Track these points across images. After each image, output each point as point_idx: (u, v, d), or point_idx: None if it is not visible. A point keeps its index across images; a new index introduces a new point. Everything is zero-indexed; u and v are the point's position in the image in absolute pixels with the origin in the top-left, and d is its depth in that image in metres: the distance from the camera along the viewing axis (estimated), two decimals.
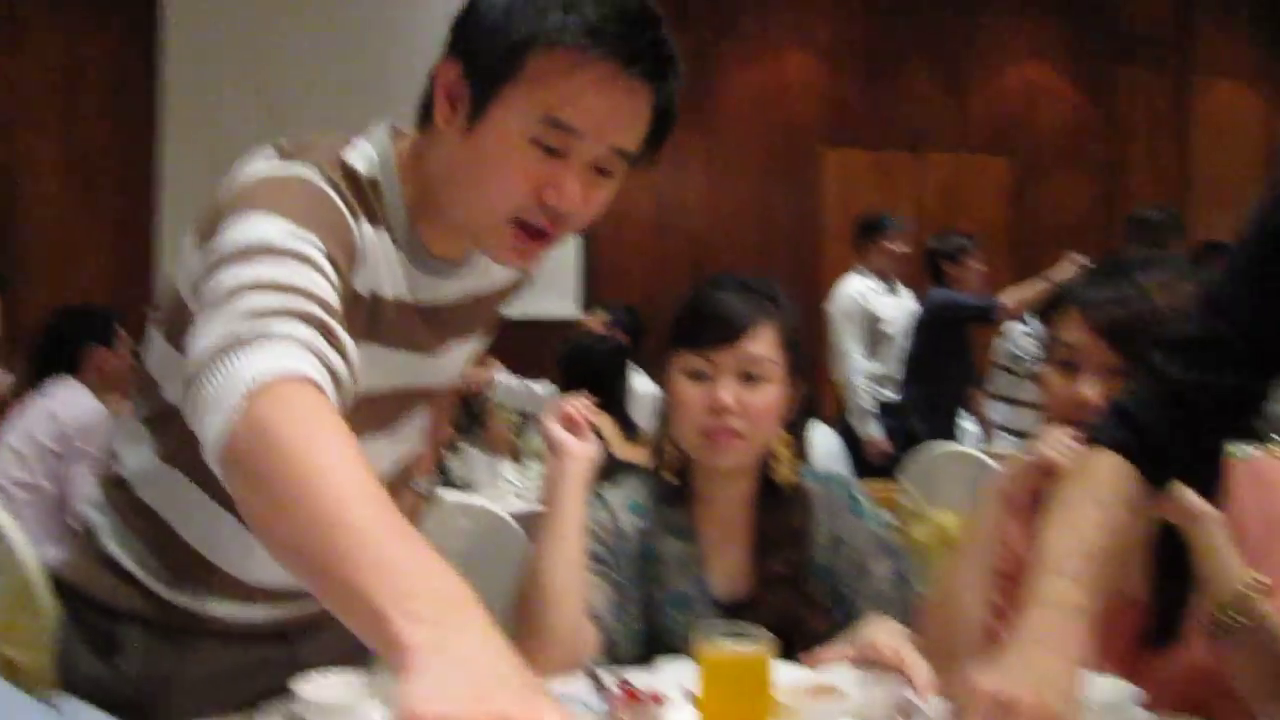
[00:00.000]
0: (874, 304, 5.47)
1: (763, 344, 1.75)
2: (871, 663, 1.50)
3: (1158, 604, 1.55)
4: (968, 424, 5.41)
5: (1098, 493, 1.22)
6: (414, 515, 2.03)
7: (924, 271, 5.42)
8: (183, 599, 1.42)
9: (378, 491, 0.91)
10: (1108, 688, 1.34)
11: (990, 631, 1.49)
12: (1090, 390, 1.53)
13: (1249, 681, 1.39)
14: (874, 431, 5.23)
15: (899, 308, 5.49)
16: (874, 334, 5.48)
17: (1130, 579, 1.59)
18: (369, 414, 1.35)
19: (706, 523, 1.82)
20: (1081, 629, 1.07)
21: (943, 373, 5.05)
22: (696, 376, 1.75)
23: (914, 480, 3.98)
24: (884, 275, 5.54)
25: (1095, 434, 1.30)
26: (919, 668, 1.45)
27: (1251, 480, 1.55)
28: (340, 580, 0.85)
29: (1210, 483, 1.35)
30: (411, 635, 0.80)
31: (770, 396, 1.75)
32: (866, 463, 4.98)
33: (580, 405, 1.77)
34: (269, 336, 1.00)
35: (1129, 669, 1.50)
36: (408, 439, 1.55)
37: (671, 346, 1.81)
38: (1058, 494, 1.25)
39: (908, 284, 5.65)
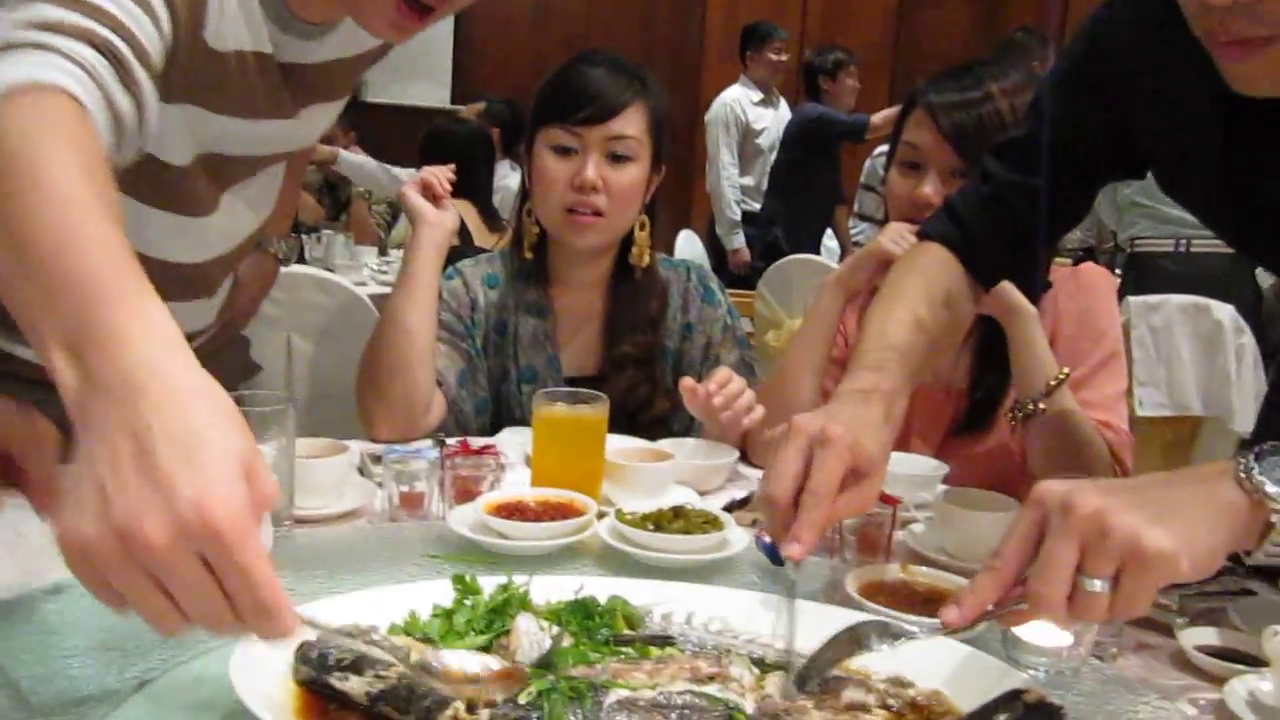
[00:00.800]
0: (750, 114, 5.49)
1: (632, 124, 1.73)
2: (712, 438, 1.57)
3: (975, 394, 1.66)
4: (830, 241, 5.52)
5: (918, 286, 1.23)
6: (268, 277, 2.00)
7: (800, 86, 5.41)
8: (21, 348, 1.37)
9: (95, 204, 0.75)
10: (918, 463, 1.44)
11: None
12: (932, 190, 1.59)
13: (1040, 460, 1.53)
14: (737, 242, 5.31)
15: (775, 120, 5.52)
16: (747, 145, 5.52)
17: (954, 371, 1.70)
18: (226, 173, 1.31)
19: (562, 300, 1.83)
20: (878, 407, 1.06)
21: (809, 187, 5.12)
22: (563, 152, 1.73)
23: (772, 290, 4.09)
24: (764, 86, 5.56)
25: (926, 228, 1.33)
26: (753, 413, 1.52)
27: (1073, 283, 1.66)
28: (20, 283, 0.71)
29: (1032, 282, 1.40)
30: (69, 374, 0.66)
31: (635, 176, 1.74)
32: (729, 273, 5.07)
33: (440, 174, 1.74)
34: (44, 48, 0.89)
35: (942, 450, 1.62)
36: (265, 200, 1.50)
37: (538, 120, 1.77)
38: (883, 285, 1.27)
39: (787, 99, 5.65)
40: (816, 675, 0.83)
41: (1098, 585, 0.76)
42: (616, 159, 1.73)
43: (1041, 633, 0.96)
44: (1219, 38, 0.92)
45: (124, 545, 0.60)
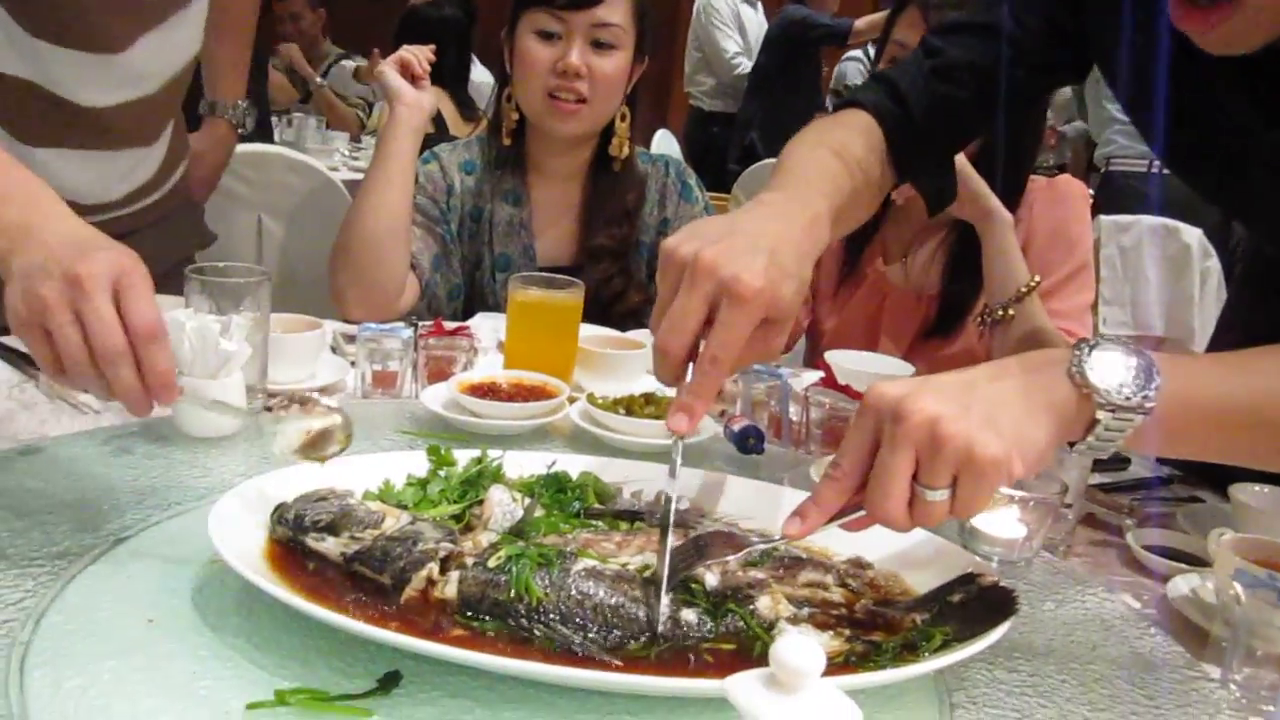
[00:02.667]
0: (741, 12, 5.42)
1: (617, 11, 1.71)
2: None
3: (946, 298, 1.68)
4: None
5: (843, 138, 1.12)
6: (223, 143, 1.97)
7: None
8: None
9: None
10: (886, 363, 1.46)
11: None
12: None
13: None
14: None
15: (756, 22, 5.45)
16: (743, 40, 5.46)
17: (926, 276, 1.71)
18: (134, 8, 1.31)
19: (539, 190, 1.82)
20: (807, 214, 0.95)
21: (789, 91, 5.06)
22: (547, 36, 1.70)
23: (748, 194, 4.07)
24: None
25: (858, 95, 1.21)
26: None
27: (1048, 194, 1.68)
28: None
29: (946, 187, 1.30)
30: None
31: (618, 64, 1.72)
32: (709, 168, 5.04)
33: (420, 54, 1.71)
34: None
35: (910, 353, 1.65)
36: (184, 41, 1.50)
37: (522, 3, 1.74)
38: (805, 130, 1.15)
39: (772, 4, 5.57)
40: (669, 584, 0.79)
41: (936, 495, 0.75)
42: (600, 46, 1.70)
43: (997, 524, 1.00)
44: (1177, 13, 0.90)
45: (28, 308, 0.83)
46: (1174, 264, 3.22)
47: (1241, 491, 1.14)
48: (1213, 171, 1.16)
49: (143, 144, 1.49)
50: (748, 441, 1.16)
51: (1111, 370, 0.77)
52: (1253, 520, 1.12)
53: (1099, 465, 1.31)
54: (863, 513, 0.78)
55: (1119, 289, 3.23)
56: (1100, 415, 0.77)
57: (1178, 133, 1.14)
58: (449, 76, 3.47)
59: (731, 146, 5.13)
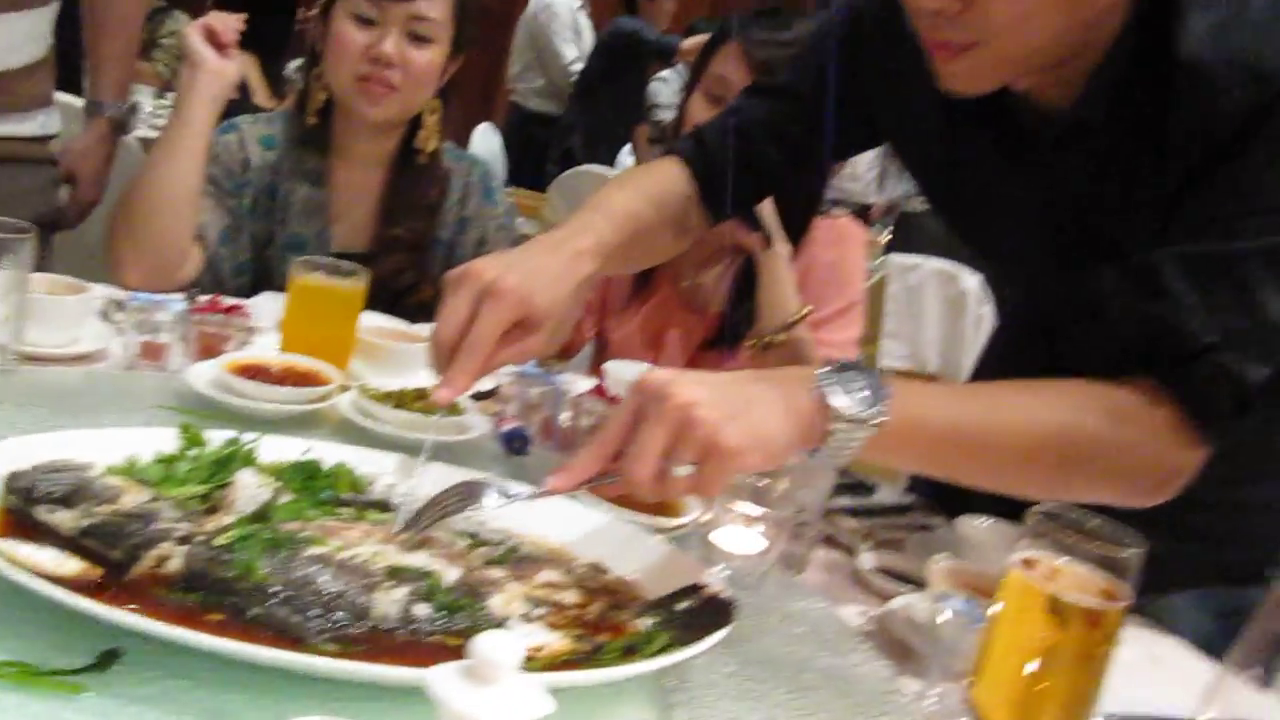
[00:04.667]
0: (579, 20, 5.47)
1: (436, 6, 1.71)
2: None
3: (728, 318, 1.76)
4: (627, 157, 5.57)
5: (648, 184, 1.28)
6: (105, 143, 1.94)
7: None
8: None
9: None
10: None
11: None
12: None
13: None
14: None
15: (587, 29, 5.51)
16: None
17: (715, 293, 1.79)
18: None
19: (340, 174, 1.80)
20: (564, 259, 1.09)
21: (612, 101, 5.14)
22: (363, 21, 1.69)
23: (563, 196, 4.11)
24: None
25: (677, 146, 1.36)
26: None
27: (829, 233, 1.78)
28: None
29: (753, 219, 1.45)
30: None
31: (432, 58, 1.72)
32: (528, 169, 5.06)
33: (228, 21, 1.67)
34: None
35: (689, 366, 1.73)
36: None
37: None
38: (621, 173, 1.30)
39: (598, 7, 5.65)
40: (426, 520, 0.88)
41: (681, 470, 0.84)
42: (416, 38, 1.70)
43: (735, 540, 1.06)
44: (929, 38, 1.00)
45: None
46: (953, 306, 3.43)
47: (964, 524, 1.24)
48: (964, 213, 1.28)
49: None
50: (514, 443, 1.19)
51: (847, 389, 0.89)
52: (972, 550, 1.22)
53: (844, 490, 1.40)
54: (618, 479, 0.87)
55: (901, 324, 3.42)
56: (833, 427, 0.88)
57: (934, 177, 1.27)
58: (265, 45, 3.36)
59: (552, 148, 5.17)
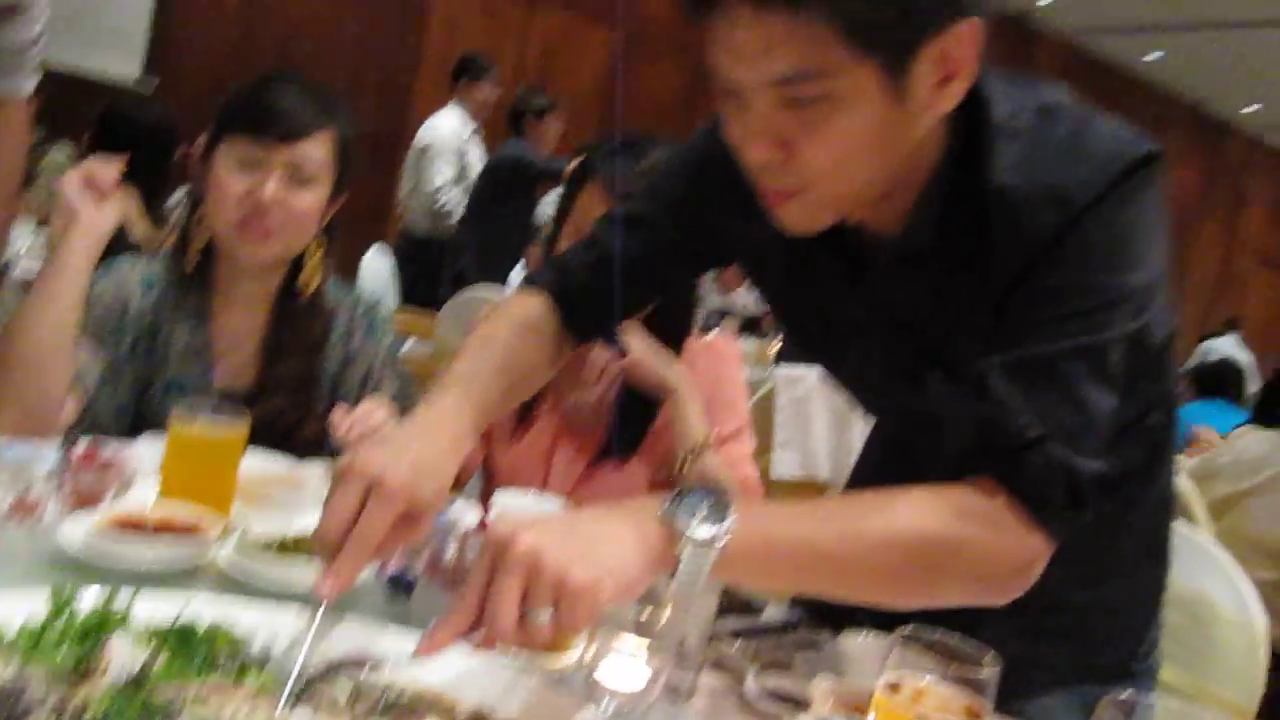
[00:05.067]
0: (467, 143, 5.59)
1: (318, 148, 1.74)
2: None
3: (616, 431, 1.80)
4: (518, 276, 5.64)
5: (511, 331, 1.31)
6: None
7: (507, 123, 5.53)
8: None
9: None
10: (541, 503, 1.52)
11: None
12: None
13: None
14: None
15: (478, 154, 5.62)
16: (459, 172, 5.60)
17: (601, 405, 1.83)
18: None
19: (223, 315, 1.80)
20: (444, 440, 1.12)
21: (502, 222, 5.22)
22: (245, 165, 1.71)
23: (455, 317, 4.13)
24: (474, 117, 5.66)
25: (535, 278, 1.41)
26: None
27: (707, 355, 1.84)
28: None
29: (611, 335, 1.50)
30: None
31: (314, 200, 1.75)
32: (420, 291, 5.08)
33: (107, 167, 1.67)
34: None
35: (584, 480, 1.76)
36: None
37: (223, 129, 1.75)
38: (480, 325, 1.34)
39: (489, 132, 5.77)
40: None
41: (542, 616, 0.87)
42: (298, 181, 1.73)
43: (619, 673, 1.07)
44: (760, 186, 1.08)
45: None
46: (838, 416, 3.53)
47: (846, 639, 1.28)
48: (811, 332, 1.35)
49: None
50: (398, 586, 1.19)
51: (692, 513, 0.93)
52: (854, 666, 1.25)
53: (730, 611, 1.43)
54: (485, 632, 0.89)
55: (791, 435, 3.50)
56: (680, 550, 0.92)
57: (782, 298, 1.35)
58: (145, 178, 3.32)
59: (444, 269, 5.21)
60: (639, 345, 1.68)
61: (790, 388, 3.49)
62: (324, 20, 7.18)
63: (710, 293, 4.52)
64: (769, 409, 3.48)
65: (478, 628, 0.89)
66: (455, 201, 5.49)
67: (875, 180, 1.07)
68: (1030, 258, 1.05)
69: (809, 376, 3.53)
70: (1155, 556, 1.39)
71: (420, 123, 5.75)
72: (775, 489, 3.39)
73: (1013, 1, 10.43)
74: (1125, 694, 0.86)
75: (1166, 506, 1.38)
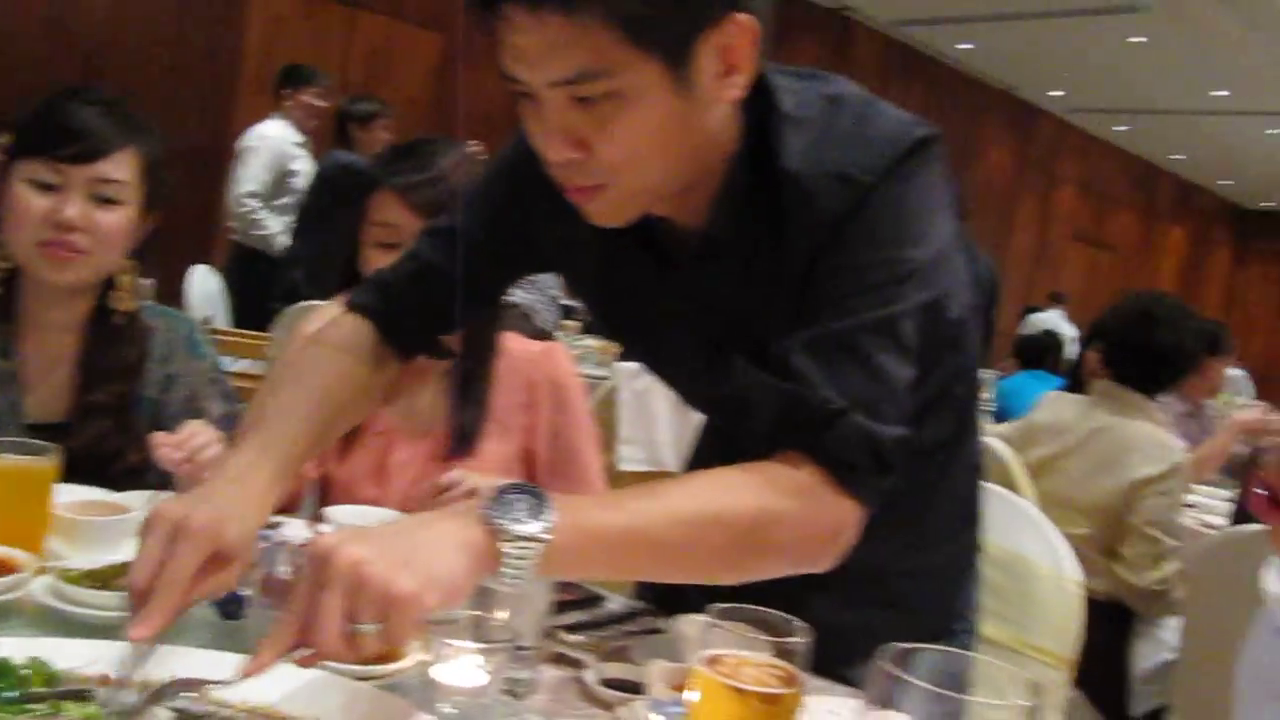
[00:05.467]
0: (289, 153, 5.45)
1: (122, 167, 1.69)
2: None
3: (453, 430, 1.81)
4: None
5: (329, 359, 1.31)
6: None
7: (334, 132, 5.42)
8: None
9: None
10: (376, 514, 1.52)
11: None
12: None
13: None
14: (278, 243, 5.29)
15: (307, 164, 5.49)
16: (283, 185, 5.45)
17: (434, 413, 1.82)
18: None
19: (31, 342, 1.73)
20: (255, 486, 1.12)
21: (333, 234, 5.10)
22: (44, 187, 1.65)
23: (288, 333, 4.03)
24: (301, 127, 5.53)
25: (353, 300, 1.40)
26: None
27: (541, 358, 1.88)
28: None
29: (437, 347, 1.49)
30: None
31: (121, 219, 1.70)
32: (252, 306, 4.94)
33: None
34: None
35: (425, 477, 1.75)
36: None
37: (18, 152, 1.68)
38: (290, 357, 1.35)
39: (315, 140, 5.65)
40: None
41: (367, 628, 0.87)
42: (102, 200, 1.68)
43: (457, 674, 1.08)
44: (564, 184, 1.11)
45: None
46: (680, 406, 3.57)
47: (682, 622, 1.32)
48: (626, 326, 1.39)
49: None
50: (228, 607, 1.17)
51: (512, 510, 0.94)
52: (690, 648, 1.29)
53: (572, 606, 1.45)
54: (311, 650, 0.88)
55: (635, 429, 3.54)
56: (504, 547, 0.93)
57: (597, 296, 1.38)
58: None
59: (275, 285, 5.08)
60: None
61: (632, 381, 3.53)
62: (137, 31, 6.88)
63: (555, 291, 4.53)
64: (613, 404, 3.51)
65: (304, 644, 0.89)
66: (260, 209, 5.35)
67: (673, 171, 1.11)
68: (822, 239, 1.11)
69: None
70: (968, 521, 1.47)
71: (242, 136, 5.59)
72: (623, 481, 3.44)
73: None
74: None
75: (976, 473, 1.47)
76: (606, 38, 0.99)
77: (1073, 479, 3.10)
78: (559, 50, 1.00)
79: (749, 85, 1.10)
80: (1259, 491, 1.04)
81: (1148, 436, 3.03)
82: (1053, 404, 3.35)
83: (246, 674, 0.89)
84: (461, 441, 1.81)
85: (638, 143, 1.05)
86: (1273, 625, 1.01)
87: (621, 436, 3.47)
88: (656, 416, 3.54)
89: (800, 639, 0.88)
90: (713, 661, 0.88)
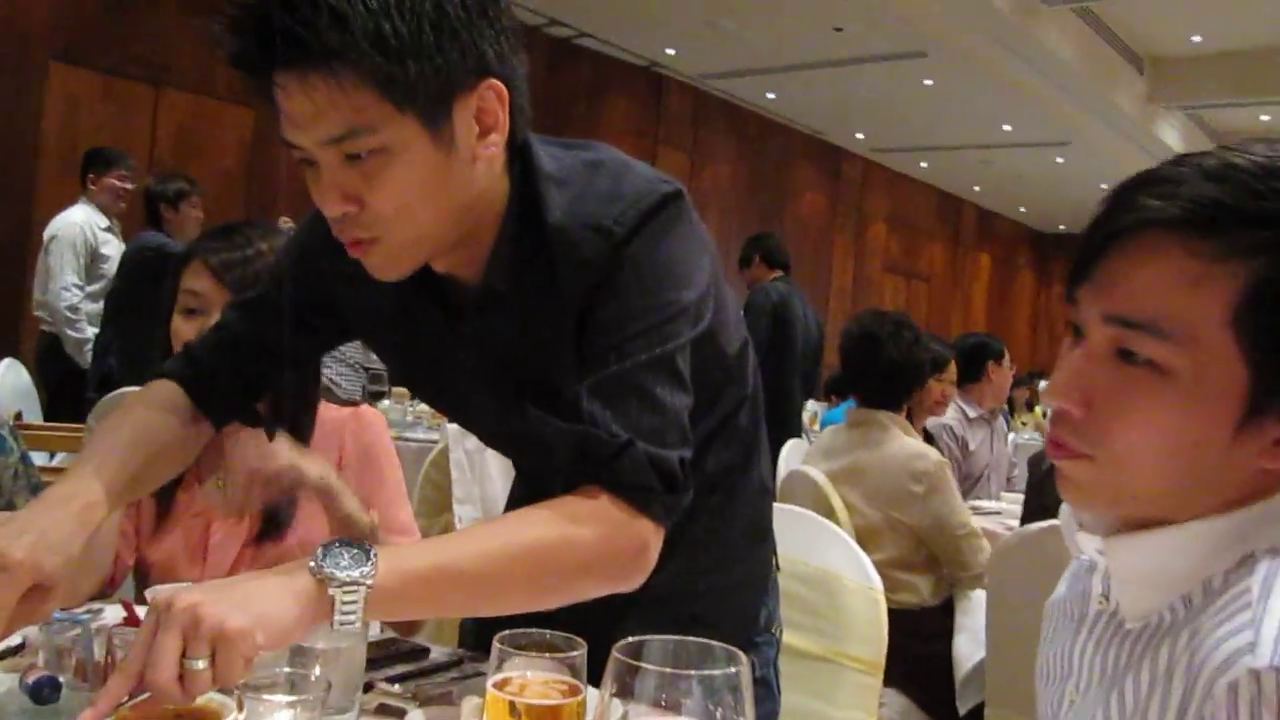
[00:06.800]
0: (98, 239, 5.32)
1: None
2: None
3: (266, 510, 1.83)
4: None
5: (145, 416, 1.37)
6: None
7: (143, 212, 5.32)
8: None
9: None
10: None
11: None
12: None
13: None
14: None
15: (116, 248, 5.37)
16: (93, 271, 5.32)
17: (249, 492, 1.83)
18: None
19: None
20: (73, 515, 1.17)
21: (147, 318, 4.98)
22: None
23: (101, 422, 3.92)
24: (107, 211, 5.40)
25: (166, 367, 1.46)
26: None
27: (355, 423, 1.92)
28: None
29: (249, 414, 1.53)
30: None
31: None
32: (66, 397, 4.79)
33: None
34: None
35: (239, 563, 1.80)
36: None
37: None
38: (116, 411, 1.38)
39: (125, 222, 5.52)
40: None
41: (199, 664, 0.93)
42: None
43: None
44: (343, 239, 1.19)
45: None
46: (509, 461, 3.64)
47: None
48: (425, 382, 1.47)
49: None
50: (42, 692, 1.19)
51: (338, 559, 1.01)
52: None
53: (397, 659, 1.51)
54: (148, 694, 0.93)
55: (468, 488, 3.59)
56: (333, 593, 1.00)
57: (396, 355, 1.45)
58: None
59: (90, 374, 4.93)
60: (283, 450, 1.61)
61: (463, 441, 3.57)
62: None
63: (359, 357, 4.54)
64: (444, 468, 3.54)
65: (139, 690, 0.93)
66: (81, 300, 5.21)
67: (444, 223, 1.20)
68: (590, 287, 1.21)
69: None
70: (760, 538, 1.59)
71: (47, 224, 5.42)
72: None
73: (643, 52, 11.14)
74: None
75: (764, 494, 1.59)
76: (368, 97, 1.08)
77: (863, 514, 3.28)
78: (327, 111, 1.08)
79: (505, 145, 1.21)
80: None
81: (906, 456, 3.25)
82: (830, 434, 3.59)
83: None
84: (273, 520, 1.84)
85: (405, 195, 1.14)
86: (1080, 568, 1.10)
87: (456, 496, 3.51)
88: (489, 473, 3.59)
89: (578, 653, 0.97)
90: (501, 684, 0.97)
